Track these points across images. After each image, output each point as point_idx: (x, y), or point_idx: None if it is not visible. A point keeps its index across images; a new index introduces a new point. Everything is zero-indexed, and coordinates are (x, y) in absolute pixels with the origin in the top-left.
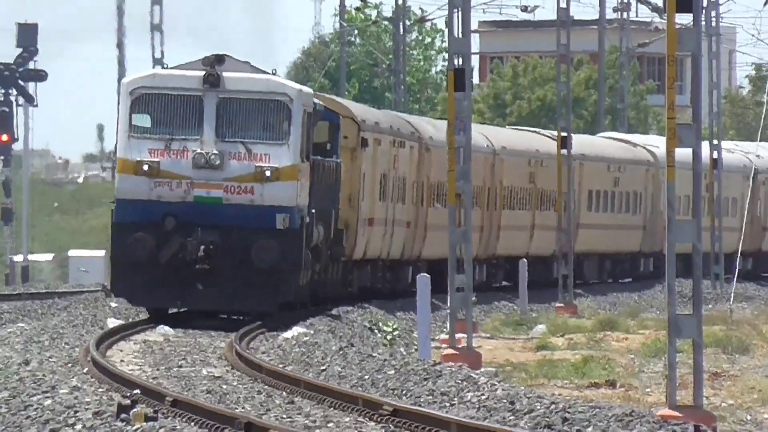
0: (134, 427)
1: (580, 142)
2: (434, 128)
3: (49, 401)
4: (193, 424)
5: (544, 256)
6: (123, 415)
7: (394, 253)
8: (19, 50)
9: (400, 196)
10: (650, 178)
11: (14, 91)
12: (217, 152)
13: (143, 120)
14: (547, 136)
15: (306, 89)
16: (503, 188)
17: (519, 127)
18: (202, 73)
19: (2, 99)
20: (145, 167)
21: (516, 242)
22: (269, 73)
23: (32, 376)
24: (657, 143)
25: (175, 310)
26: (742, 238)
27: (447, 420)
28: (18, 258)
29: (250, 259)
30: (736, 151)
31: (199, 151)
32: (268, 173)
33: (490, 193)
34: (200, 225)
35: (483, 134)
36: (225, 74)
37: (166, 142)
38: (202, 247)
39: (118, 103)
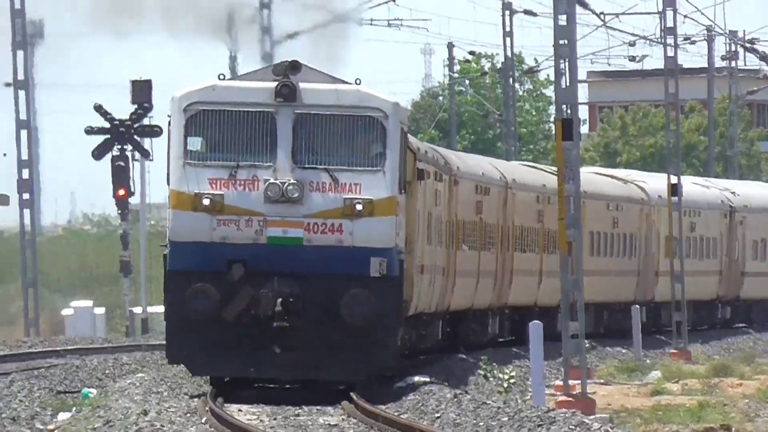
0: None
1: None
2: (460, 159)
3: None
4: None
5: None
6: None
7: (431, 304)
8: (134, 107)
9: (439, 238)
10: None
11: (130, 147)
12: (295, 182)
13: (201, 143)
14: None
15: (402, 103)
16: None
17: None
18: (274, 84)
19: (118, 154)
20: (206, 202)
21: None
22: (354, 84)
23: (150, 427)
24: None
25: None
26: None
27: None
28: (137, 310)
29: (339, 315)
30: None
31: (272, 180)
32: (359, 207)
33: (503, 231)
34: (276, 272)
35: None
36: (302, 85)
37: (231, 171)
38: (279, 300)
39: (169, 124)
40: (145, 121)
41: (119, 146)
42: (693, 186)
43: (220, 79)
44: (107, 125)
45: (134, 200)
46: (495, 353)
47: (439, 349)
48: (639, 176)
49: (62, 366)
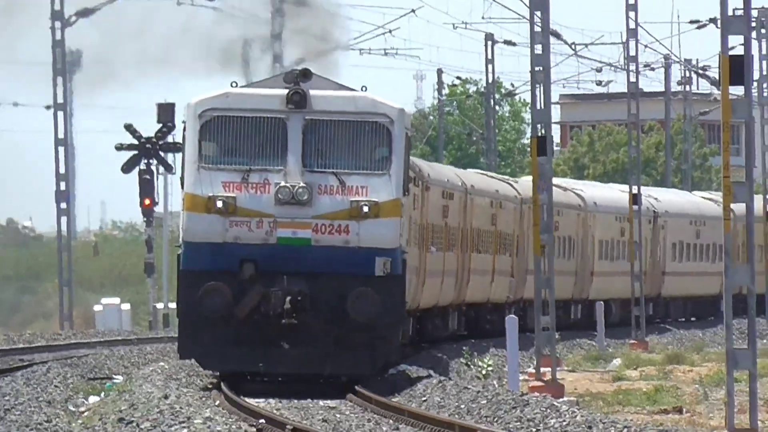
0: None
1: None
2: (430, 168)
3: (185, 430)
4: None
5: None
6: None
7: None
8: (159, 126)
9: (415, 240)
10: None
11: (155, 162)
12: (304, 185)
13: (215, 148)
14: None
15: (406, 109)
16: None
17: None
18: (285, 91)
19: (145, 168)
20: (219, 204)
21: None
22: (361, 91)
23: (170, 409)
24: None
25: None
26: None
27: None
28: (159, 306)
29: (345, 312)
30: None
31: (282, 183)
32: (365, 209)
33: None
34: (285, 272)
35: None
36: (312, 92)
37: (244, 174)
38: (288, 298)
39: (184, 129)
40: (169, 139)
41: (146, 161)
42: (622, 194)
43: (232, 86)
44: (135, 142)
45: (158, 209)
46: (456, 348)
47: (411, 344)
48: (577, 185)
49: (92, 355)
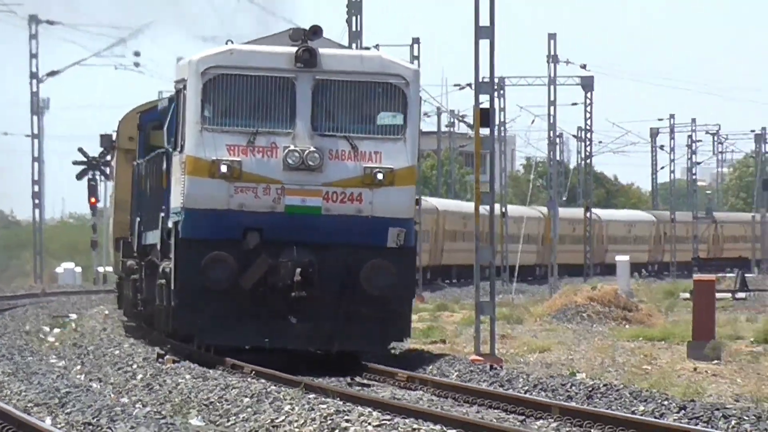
0: (166, 366)
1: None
2: None
3: (117, 351)
4: (196, 365)
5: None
6: (160, 360)
7: None
8: (101, 149)
9: None
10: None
11: (98, 173)
12: (314, 149)
13: (218, 108)
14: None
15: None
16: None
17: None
18: (294, 49)
19: (91, 177)
20: (224, 168)
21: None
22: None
23: (108, 337)
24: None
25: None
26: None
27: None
28: (101, 269)
29: (357, 285)
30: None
31: (291, 147)
32: (380, 176)
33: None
34: (293, 242)
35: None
36: (322, 50)
37: (250, 137)
38: (298, 270)
39: (184, 88)
40: (108, 158)
41: (92, 172)
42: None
43: (227, 45)
44: (85, 159)
45: (100, 205)
46: None
47: None
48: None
49: (56, 301)
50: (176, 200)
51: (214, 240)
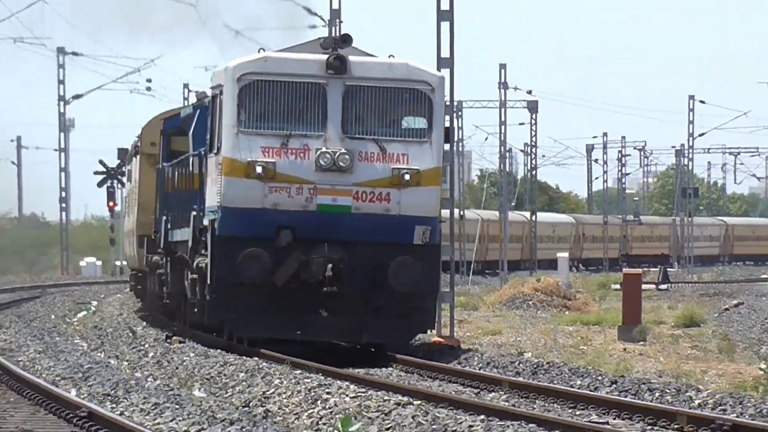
0: (173, 345)
1: None
2: None
3: (130, 333)
4: (199, 345)
5: None
6: (168, 341)
7: None
8: (118, 161)
9: None
10: None
11: (116, 181)
12: (345, 151)
13: (253, 112)
14: None
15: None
16: None
17: None
18: (325, 56)
19: (110, 185)
20: (259, 169)
21: None
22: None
23: (123, 321)
24: None
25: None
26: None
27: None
28: (117, 263)
29: (385, 281)
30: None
31: (323, 149)
32: (407, 177)
33: None
34: (324, 239)
35: None
36: (352, 58)
37: (283, 140)
38: (330, 266)
39: (220, 93)
40: (125, 169)
41: (111, 181)
42: None
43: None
44: (105, 169)
45: (117, 208)
46: None
47: None
48: None
49: (79, 290)
50: (212, 199)
51: (249, 237)
